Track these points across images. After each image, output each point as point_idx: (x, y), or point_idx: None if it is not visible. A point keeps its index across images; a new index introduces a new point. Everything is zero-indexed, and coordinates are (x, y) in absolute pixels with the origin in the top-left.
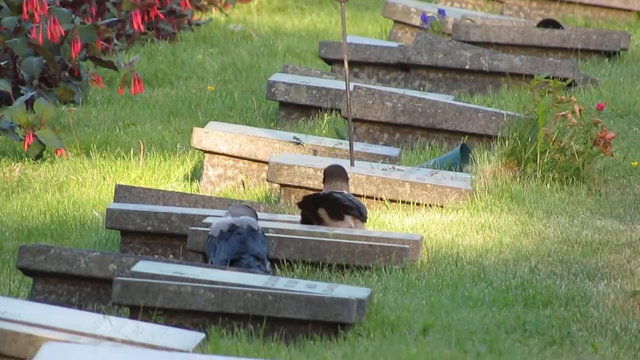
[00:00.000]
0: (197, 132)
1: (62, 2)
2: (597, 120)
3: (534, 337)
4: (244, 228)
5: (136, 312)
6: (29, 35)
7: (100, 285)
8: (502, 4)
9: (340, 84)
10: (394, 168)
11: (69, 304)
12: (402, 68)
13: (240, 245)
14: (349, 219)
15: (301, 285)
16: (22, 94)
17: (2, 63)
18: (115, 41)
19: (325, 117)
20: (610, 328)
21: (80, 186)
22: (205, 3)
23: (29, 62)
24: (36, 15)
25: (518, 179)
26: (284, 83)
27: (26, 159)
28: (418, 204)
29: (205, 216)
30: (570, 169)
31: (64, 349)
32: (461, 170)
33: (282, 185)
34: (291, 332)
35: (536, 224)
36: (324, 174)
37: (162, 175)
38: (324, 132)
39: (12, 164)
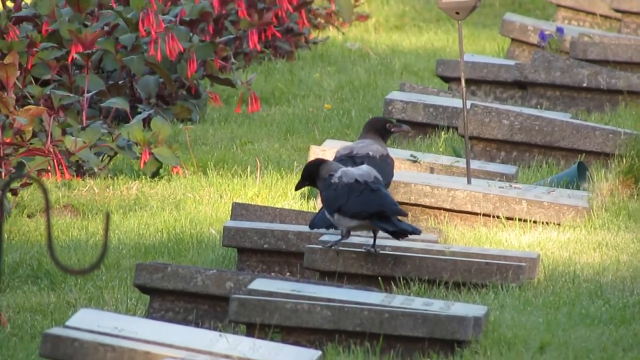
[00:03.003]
0: (314, 150)
1: (180, 20)
2: None
3: None
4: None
5: (253, 329)
6: (145, 53)
7: (217, 303)
8: (620, 22)
9: (457, 102)
10: (510, 186)
11: (185, 322)
12: (520, 86)
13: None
14: None
15: (418, 303)
16: (140, 112)
17: (120, 81)
18: (233, 59)
19: (442, 135)
20: None
21: (197, 204)
22: (323, 21)
23: (145, 81)
24: (153, 32)
25: (635, 196)
26: (401, 101)
27: (143, 177)
28: (535, 222)
29: (322, 234)
30: None
31: None
32: (578, 188)
33: (399, 203)
34: (407, 350)
35: None
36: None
37: (279, 193)
38: (440, 150)
39: (130, 182)
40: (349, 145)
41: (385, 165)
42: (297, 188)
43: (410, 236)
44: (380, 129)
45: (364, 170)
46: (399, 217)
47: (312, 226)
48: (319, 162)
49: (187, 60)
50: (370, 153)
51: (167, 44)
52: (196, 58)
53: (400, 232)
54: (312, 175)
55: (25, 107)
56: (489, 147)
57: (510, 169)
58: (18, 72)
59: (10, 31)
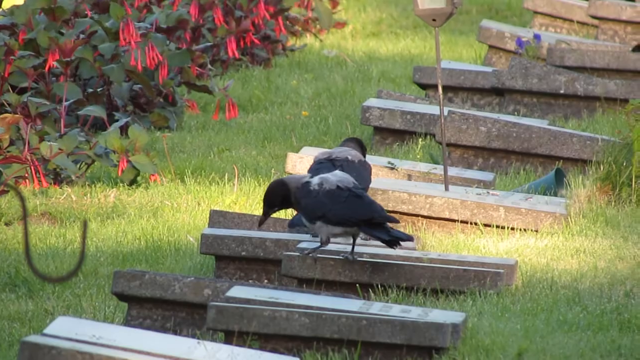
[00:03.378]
0: (292, 157)
1: (157, 27)
2: None
3: None
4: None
5: (231, 337)
6: (124, 62)
7: (194, 311)
8: (597, 29)
9: (434, 109)
10: (488, 193)
11: (163, 329)
12: (497, 93)
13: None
14: None
15: (396, 310)
16: (117, 120)
17: (98, 89)
18: (210, 67)
19: (420, 142)
20: None
21: (174, 211)
22: (300, 29)
23: (121, 88)
24: (132, 42)
25: (613, 203)
26: (378, 108)
27: (121, 184)
28: (512, 229)
29: (299, 241)
30: None
31: None
32: (556, 195)
33: None
34: (385, 357)
35: (631, 248)
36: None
37: (257, 200)
38: (418, 156)
39: (107, 190)
40: (328, 150)
41: (363, 170)
42: (261, 222)
43: (403, 244)
44: (361, 143)
45: (340, 176)
46: (390, 224)
47: (291, 225)
48: (281, 180)
49: (161, 66)
50: (349, 157)
51: (147, 53)
52: (173, 65)
53: (395, 240)
54: (282, 194)
55: (2, 115)
56: (466, 154)
57: (487, 176)
58: None
59: None
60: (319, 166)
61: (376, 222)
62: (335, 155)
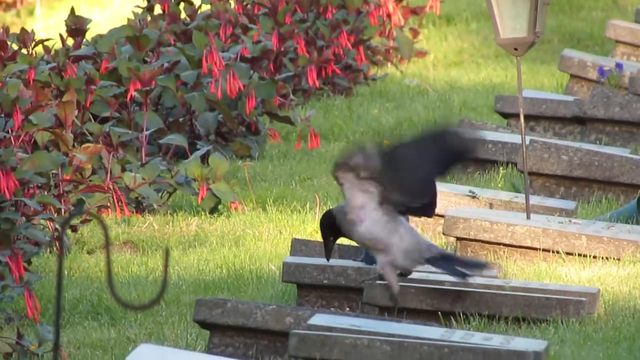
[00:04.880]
0: None
1: (241, 57)
2: None
3: None
4: None
5: None
6: (206, 90)
7: (276, 338)
8: None
9: (516, 138)
10: (570, 221)
11: (245, 357)
12: (579, 122)
13: None
14: None
15: (477, 338)
16: (199, 149)
17: (180, 118)
18: (292, 96)
19: (501, 171)
20: None
21: (256, 240)
22: (381, 58)
23: (205, 117)
24: (215, 70)
25: None
26: None
27: (202, 213)
28: (594, 257)
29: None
30: None
31: None
32: (638, 224)
33: (458, 239)
34: None
35: None
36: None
37: None
38: (499, 185)
39: (189, 219)
40: None
41: None
42: (327, 254)
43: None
44: None
45: None
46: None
47: (367, 262)
48: (328, 211)
49: (246, 96)
50: None
51: (227, 82)
52: (257, 96)
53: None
54: (329, 224)
55: (84, 145)
56: (548, 183)
57: (569, 204)
58: (76, 111)
59: (68, 69)
60: None
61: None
62: None
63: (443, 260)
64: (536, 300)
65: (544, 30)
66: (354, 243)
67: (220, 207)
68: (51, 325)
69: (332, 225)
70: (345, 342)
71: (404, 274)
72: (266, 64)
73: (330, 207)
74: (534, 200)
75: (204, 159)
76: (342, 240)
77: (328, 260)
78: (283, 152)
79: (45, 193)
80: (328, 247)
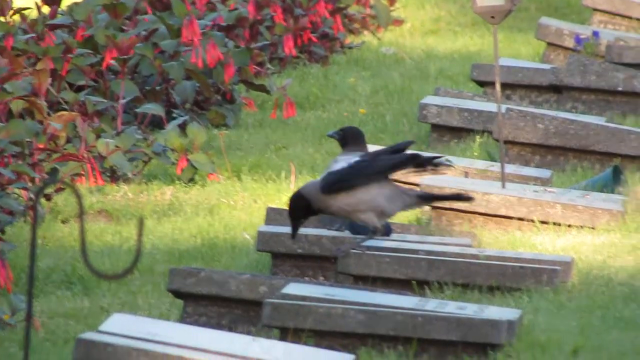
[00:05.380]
0: None
1: (217, 26)
2: None
3: None
4: None
5: (286, 334)
6: (185, 60)
7: (250, 308)
8: None
9: (492, 106)
10: (545, 190)
11: (219, 326)
12: (555, 90)
13: None
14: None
15: (451, 307)
16: (175, 118)
17: (157, 87)
18: (268, 65)
19: (477, 139)
20: None
21: (231, 209)
22: (358, 26)
23: (183, 86)
24: (195, 40)
25: None
26: (435, 105)
27: (177, 182)
28: (569, 226)
29: (355, 237)
30: None
31: None
32: (613, 192)
33: (433, 208)
34: (441, 354)
35: None
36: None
37: None
38: (475, 154)
39: (164, 188)
40: (352, 155)
41: None
42: (294, 235)
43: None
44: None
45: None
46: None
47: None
48: (297, 193)
49: (223, 65)
50: None
51: (207, 52)
52: (234, 64)
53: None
54: (303, 205)
55: (59, 113)
56: (523, 152)
57: (544, 173)
58: (50, 79)
59: (46, 37)
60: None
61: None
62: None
63: (424, 198)
64: (510, 269)
65: None
66: None
67: (196, 176)
68: (24, 294)
69: (305, 207)
70: (319, 312)
71: (387, 234)
72: (242, 32)
73: (298, 188)
74: (510, 168)
75: (181, 128)
76: None
77: (293, 238)
78: (259, 120)
79: (20, 162)
80: (296, 228)
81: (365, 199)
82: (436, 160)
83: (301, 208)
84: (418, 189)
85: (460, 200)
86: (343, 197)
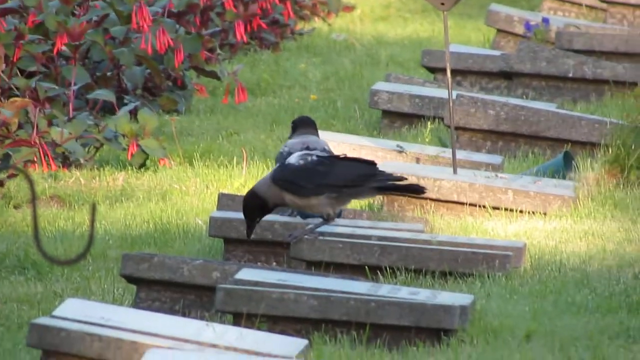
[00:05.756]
0: None
1: (168, 12)
2: None
3: (637, 343)
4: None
5: (239, 319)
6: (135, 46)
7: (203, 293)
8: (606, 12)
9: (443, 93)
10: (496, 176)
11: (172, 311)
12: (505, 76)
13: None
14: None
15: (404, 292)
16: (126, 104)
17: (107, 73)
18: (219, 51)
19: (428, 126)
20: None
21: (183, 195)
22: (308, 13)
23: (133, 72)
24: (145, 26)
25: (621, 186)
26: (386, 92)
27: (129, 168)
28: (521, 211)
29: (307, 223)
30: None
31: (168, 355)
32: (564, 178)
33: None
34: (394, 339)
35: None
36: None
37: None
38: (426, 140)
39: (116, 173)
40: (298, 140)
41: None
42: (249, 234)
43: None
44: (316, 127)
45: (313, 147)
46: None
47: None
48: (250, 192)
49: (174, 51)
50: (326, 147)
51: (157, 38)
52: (184, 50)
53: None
54: (258, 204)
55: (11, 99)
56: (474, 137)
57: (496, 159)
58: (4, 65)
59: None
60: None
61: (381, 184)
62: (311, 145)
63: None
64: (462, 254)
65: None
66: None
67: (148, 162)
68: None
69: (260, 205)
70: (272, 297)
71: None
72: (193, 18)
73: (251, 187)
74: (461, 155)
75: (132, 114)
76: None
77: (249, 237)
78: (210, 106)
79: None
80: (252, 227)
81: (315, 203)
82: (398, 184)
83: (256, 207)
84: None
85: (414, 192)
86: (294, 197)
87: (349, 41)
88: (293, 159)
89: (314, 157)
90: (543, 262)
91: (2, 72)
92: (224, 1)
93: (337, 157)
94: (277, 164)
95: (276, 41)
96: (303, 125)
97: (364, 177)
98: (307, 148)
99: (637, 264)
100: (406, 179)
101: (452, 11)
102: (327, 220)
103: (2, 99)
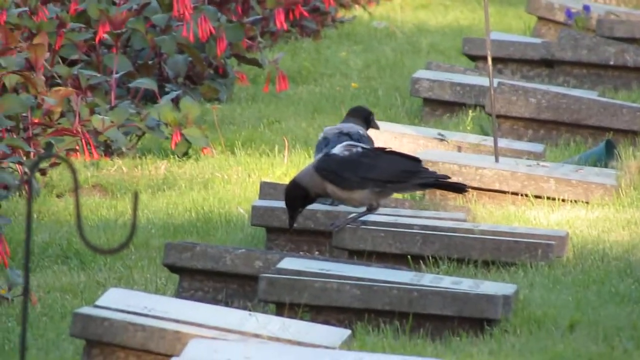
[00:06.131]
0: None
1: (209, 0)
2: None
3: None
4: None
5: (282, 308)
6: (177, 34)
7: (246, 282)
8: None
9: (484, 81)
10: (538, 164)
11: (215, 301)
12: (546, 64)
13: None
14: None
15: (447, 282)
16: (167, 92)
17: (149, 61)
18: (260, 39)
19: (470, 114)
20: None
21: (225, 183)
22: (349, 0)
23: (175, 60)
24: (186, 14)
25: None
26: (427, 80)
27: (171, 156)
28: (563, 200)
29: (349, 212)
30: None
31: (211, 345)
32: (606, 166)
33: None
34: (437, 329)
35: None
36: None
37: None
38: (468, 128)
39: (158, 162)
40: (336, 126)
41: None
42: (291, 225)
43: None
44: (365, 117)
45: (357, 139)
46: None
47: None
48: (292, 182)
49: (216, 39)
50: (361, 131)
51: (199, 25)
52: (228, 39)
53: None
54: (300, 195)
55: (55, 88)
56: (516, 126)
57: (537, 147)
58: (48, 53)
59: (39, 12)
60: (332, 140)
61: (425, 181)
62: (346, 130)
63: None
64: (505, 243)
65: None
66: None
67: (190, 150)
68: (21, 269)
69: (302, 196)
70: (314, 286)
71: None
72: (234, 6)
73: (293, 178)
74: (502, 143)
75: (174, 102)
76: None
77: (292, 227)
78: (251, 94)
79: (14, 136)
80: (294, 217)
81: (358, 197)
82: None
83: (298, 197)
84: None
85: (456, 190)
86: (336, 189)
87: (390, 29)
88: (337, 150)
89: (359, 149)
90: (586, 252)
91: (45, 60)
92: None
93: (382, 150)
94: (317, 153)
95: (317, 29)
96: (351, 114)
97: (408, 174)
98: (341, 133)
99: None
100: (450, 177)
101: None
102: (369, 210)
103: (45, 87)
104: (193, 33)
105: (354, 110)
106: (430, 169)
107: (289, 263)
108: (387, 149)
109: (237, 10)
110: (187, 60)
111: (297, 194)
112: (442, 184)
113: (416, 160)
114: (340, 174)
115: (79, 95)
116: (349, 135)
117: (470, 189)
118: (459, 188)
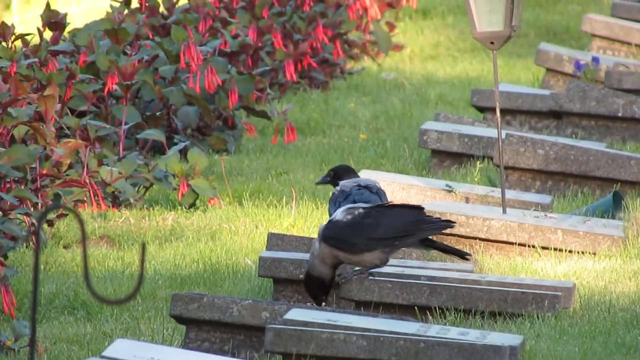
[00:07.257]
0: None
1: (219, 52)
2: None
3: None
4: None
5: (289, 359)
6: (184, 85)
7: (253, 333)
8: None
9: (492, 132)
10: (546, 215)
11: (222, 352)
12: (555, 116)
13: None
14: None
15: (453, 333)
16: (176, 143)
17: (157, 112)
18: (268, 90)
19: (477, 165)
20: None
21: (232, 234)
22: (358, 52)
23: (185, 112)
24: (193, 65)
25: None
26: (436, 131)
27: (179, 207)
28: (570, 251)
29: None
30: None
31: None
32: (614, 218)
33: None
34: None
35: None
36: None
37: (314, 223)
38: (476, 179)
39: (165, 213)
40: (352, 179)
41: (385, 197)
42: (320, 304)
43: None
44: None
45: (359, 199)
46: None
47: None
48: (306, 275)
49: (226, 91)
50: (377, 184)
51: (205, 77)
52: (238, 91)
53: (458, 251)
54: (316, 284)
55: (65, 140)
56: (524, 177)
57: (545, 199)
58: (58, 105)
59: (49, 63)
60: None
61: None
62: (364, 182)
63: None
64: (512, 294)
65: (520, 24)
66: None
67: (197, 202)
68: (27, 320)
69: (319, 285)
70: (321, 337)
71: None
72: (244, 58)
73: (306, 270)
74: (510, 194)
75: (182, 153)
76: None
77: (320, 306)
78: (259, 146)
79: (22, 187)
80: (322, 300)
81: (369, 259)
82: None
83: (316, 288)
84: None
85: (460, 256)
86: (346, 255)
87: (399, 80)
88: (339, 215)
89: (360, 210)
90: (592, 303)
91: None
92: (274, 40)
93: (383, 206)
94: (333, 206)
95: (326, 80)
96: (347, 172)
97: (413, 225)
98: (360, 186)
99: None
100: (454, 223)
101: (502, 50)
102: (378, 265)
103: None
104: (199, 84)
105: (346, 169)
106: (434, 217)
107: (296, 314)
108: (387, 204)
109: (247, 62)
110: (198, 112)
111: (314, 286)
112: (447, 249)
113: (419, 208)
114: (346, 240)
115: (87, 147)
116: (367, 188)
117: (477, 240)
118: (463, 255)
